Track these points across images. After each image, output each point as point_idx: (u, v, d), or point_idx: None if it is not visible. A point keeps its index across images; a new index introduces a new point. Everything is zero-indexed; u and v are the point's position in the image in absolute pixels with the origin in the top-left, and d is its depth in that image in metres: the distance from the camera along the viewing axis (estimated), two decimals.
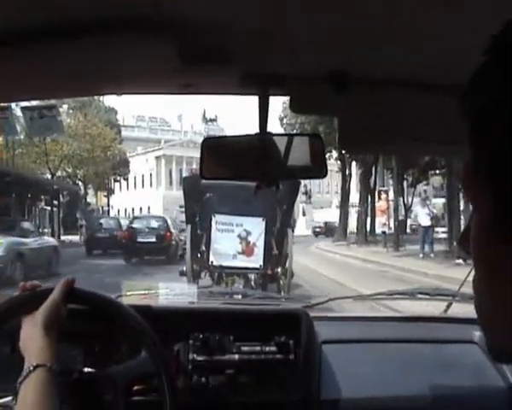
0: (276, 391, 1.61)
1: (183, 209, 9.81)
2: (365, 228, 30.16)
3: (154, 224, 20.05)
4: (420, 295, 2.11)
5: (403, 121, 1.31)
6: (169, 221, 20.50)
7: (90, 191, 46.57)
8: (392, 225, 25.35)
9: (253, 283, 8.85)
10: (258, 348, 1.63)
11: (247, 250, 8.91)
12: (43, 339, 1.22)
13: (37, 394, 1.14)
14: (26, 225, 16.24)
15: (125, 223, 24.11)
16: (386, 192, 27.13)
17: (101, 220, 26.38)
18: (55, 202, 30.54)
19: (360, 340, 1.80)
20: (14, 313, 1.32)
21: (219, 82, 1.29)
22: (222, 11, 0.94)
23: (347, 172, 35.11)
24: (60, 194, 30.98)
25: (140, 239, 18.76)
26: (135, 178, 66.96)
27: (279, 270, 8.96)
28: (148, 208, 59.39)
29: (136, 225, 20.29)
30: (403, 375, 1.68)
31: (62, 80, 1.23)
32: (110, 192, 47.86)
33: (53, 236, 27.61)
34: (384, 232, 25.12)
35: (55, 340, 1.24)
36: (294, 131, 18.00)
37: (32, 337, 1.23)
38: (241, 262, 8.88)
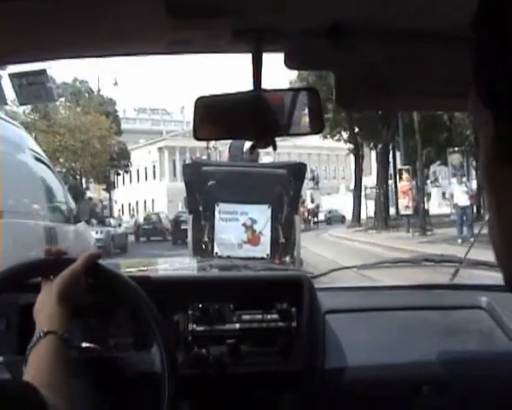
0: (278, 360, 1.59)
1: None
2: (384, 212, 28.40)
3: None
4: (425, 263, 2.09)
5: (402, 75, 1.29)
6: None
7: (93, 186, 46.32)
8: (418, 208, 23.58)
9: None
10: (259, 317, 1.61)
11: (253, 239, 8.39)
12: (56, 306, 1.22)
13: (46, 360, 1.15)
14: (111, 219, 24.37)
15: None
16: (408, 171, 24.63)
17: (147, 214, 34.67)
18: None
19: (365, 309, 1.79)
20: (34, 274, 1.36)
21: (210, 39, 1.26)
22: None
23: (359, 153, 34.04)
24: None
25: (183, 227, 22.87)
26: (138, 171, 67.07)
27: (287, 259, 8.38)
28: (153, 201, 59.55)
29: (181, 217, 26.86)
30: (409, 342, 1.67)
31: (45, 42, 1.21)
32: (111, 186, 47.56)
33: None
34: (407, 215, 23.92)
35: (68, 309, 1.24)
36: None
37: (45, 304, 1.24)
38: (247, 252, 8.25)
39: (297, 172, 8.15)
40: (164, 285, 1.65)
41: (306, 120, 1.27)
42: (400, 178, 24.77)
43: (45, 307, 1.23)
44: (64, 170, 39.37)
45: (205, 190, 8.33)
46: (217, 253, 8.37)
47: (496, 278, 1.96)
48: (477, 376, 1.62)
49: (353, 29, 1.18)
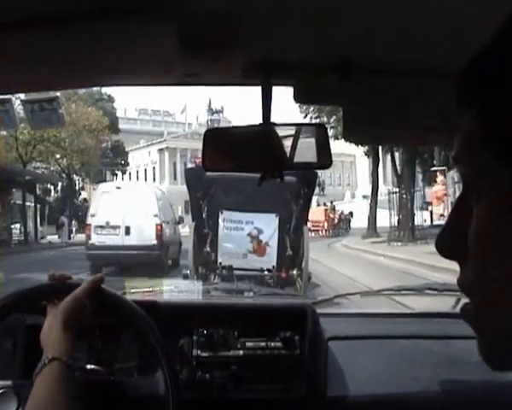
0: (281, 387, 1.64)
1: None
2: (411, 221, 24.68)
3: None
4: (428, 291, 2.14)
5: (409, 111, 1.33)
6: None
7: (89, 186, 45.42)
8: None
9: (267, 285, 8.27)
10: (263, 344, 1.66)
11: (259, 250, 8.49)
12: (61, 333, 1.26)
13: (49, 387, 1.19)
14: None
15: None
16: (444, 173, 21.68)
17: None
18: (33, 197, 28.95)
19: (367, 336, 1.83)
20: (38, 298, 1.40)
21: (221, 72, 1.31)
22: None
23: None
24: (35, 186, 29.07)
25: None
26: (137, 172, 66.93)
27: (294, 272, 8.50)
28: None
29: None
30: (411, 371, 1.71)
31: (60, 71, 1.25)
32: None
33: (25, 235, 26.77)
34: (441, 226, 22.05)
35: (73, 335, 1.28)
36: None
37: (51, 330, 1.28)
38: (253, 262, 8.44)
39: (307, 179, 8.07)
40: (170, 310, 1.69)
41: (314, 154, 1.32)
42: (434, 181, 22.37)
43: (51, 333, 1.27)
44: (51, 167, 38.12)
45: (208, 196, 8.32)
46: (220, 262, 8.40)
47: None
48: (478, 407, 1.65)
49: (361, 65, 1.22)
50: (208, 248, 8.49)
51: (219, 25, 1.06)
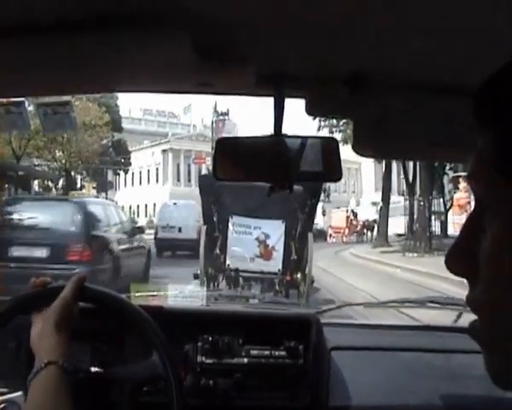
0: (284, 396, 1.66)
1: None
2: (429, 230, 23.48)
3: None
4: (430, 304, 2.16)
5: (420, 125, 1.34)
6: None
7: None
8: None
9: (273, 288, 8.72)
10: (267, 352, 1.68)
11: (266, 254, 8.88)
12: (54, 337, 1.26)
13: (47, 391, 1.20)
14: None
15: None
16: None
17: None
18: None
19: (369, 348, 1.85)
20: (24, 309, 1.38)
21: (235, 82, 1.32)
22: (239, 9, 0.97)
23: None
24: (30, 182, 27.23)
25: None
26: (140, 173, 66.99)
27: (298, 275, 8.91)
28: (154, 205, 59.52)
29: None
30: (412, 384, 1.73)
31: (74, 77, 1.27)
32: (107, 185, 46.26)
33: None
34: None
35: (66, 338, 1.29)
36: None
37: (42, 335, 1.28)
38: (259, 266, 8.83)
39: (313, 190, 8.60)
40: (175, 316, 1.72)
41: (324, 167, 1.34)
42: (456, 187, 20.77)
43: (44, 338, 1.27)
44: (51, 164, 36.86)
45: (219, 202, 8.83)
46: (228, 265, 8.83)
47: None
48: None
49: (372, 79, 1.24)
50: (218, 251, 8.90)
51: (233, 35, 1.08)
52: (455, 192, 21.06)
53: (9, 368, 1.58)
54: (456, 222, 20.34)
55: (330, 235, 37.89)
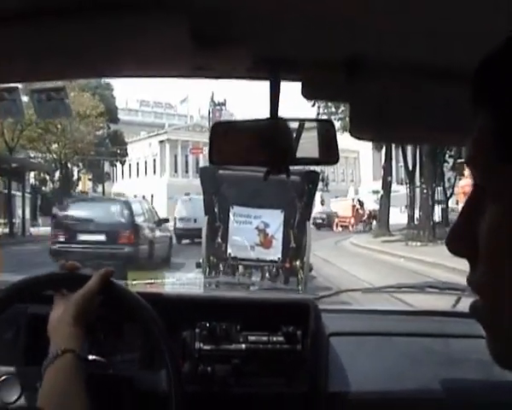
0: (282, 382, 1.66)
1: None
2: (432, 218, 23.19)
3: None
4: (429, 289, 2.17)
5: (418, 109, 1.34)
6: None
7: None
8: None
9: (273, 275, 9.11)
10: (265, 338, 1.69)
11: (266, 242, 9.17)
12: (72, 325, 1.28)
13: (63, 379, 1.21)
14: None
15: None
16: None
17: None
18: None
19: (368, 333, 1.86)
20: (47, 287, 1.42)
21: (231, 65, 1.32)
22: None
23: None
24: (24, 175, 27.36)
25: None
26: (137, 164, 66.92)
27: (297, 263, 9.19)
28: (152, 197, 59.60)
29: None
30: (411, 369, 1.74)
31: (68, 61, 1.26)
32: (104, 177, 45.71)
33: (11, 228, 24.97)
34: None
35: (83, 328, 1.30)
36: None
37: (61, 322, 1.29)
38: (260, 254, 9.13)
39: (310, 179, 8.90)
40: (173, 303, 1.72)
41: (321, 150, 1.34)
42: (462, 174, 19.94)
43: (61, 325, 1.28)
44: (47, 156, 36.40)
45: (220, 192, 9.10)
46: (230, 253, 9.14)
47: None
48: (477, 406, 1.68)
49: (370, 62, 1.23)
50: (219, 240, 9.20)
51: (230, 19, 1.08)
52: (459, 179, 20.46)
53: (7, 356, 1.58)
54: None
55: (337, 224, 37.94)
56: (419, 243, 21.10)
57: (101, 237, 13.44)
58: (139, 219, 14.62)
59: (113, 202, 15.77)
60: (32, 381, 1.41)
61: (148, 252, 14.17)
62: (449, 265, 12.15)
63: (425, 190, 23.21)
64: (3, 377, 1.49)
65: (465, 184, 18.35)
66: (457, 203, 24.39)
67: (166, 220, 18.28)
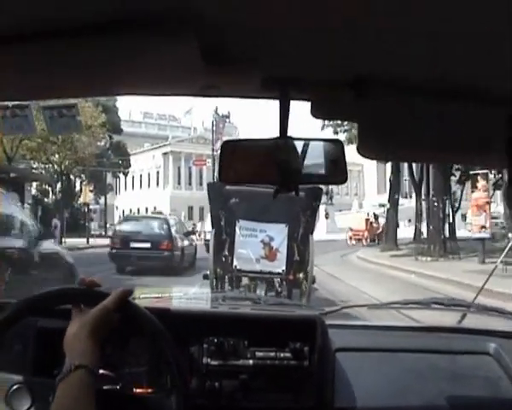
0: (289, 398, 1.68)
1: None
2: (443, 232, 22.26)
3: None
4: (434, 305, 2.18)
5: (426, 129, 1.35)
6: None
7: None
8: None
9: (277, 287, 9.43)
10: (272, 354, 1.70)
11: (270, 255, 9.42)
12: (87, 341, 1.29)
13: (75, 394, 1.22)
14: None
15: None
16: (486, 177, 17.76)
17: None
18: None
19: (374, 349, 1.87)
20: (65, 301, 1.42)
21: (240, 84, 1.34)
22: (244, 12, 0.98)
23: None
24: (23, 185, 25.85)
25: None
26: (141, 176, 67.02)
27: (301, 275, 9.45)
28: (155, 209, 59.55)
29: None
30: (417, 385, 1.75)
31: (78, 79, 1.28)
32: (107, 189, 45.51)
33: None
34: (482, 239, 17.77)
35: (99, 345, 1.31)
36: None
37: (77, 337, 1.30)
38: (264, 267, 9.38)
39: (314, 195, 9.18)
40: (181, 318, 1.74)
41: (329, 169, 1.36)
42: (475, 186, 18.57)
43: (77, 340, 1.29)
44: (42, 165, 35.81)
45: (227, 207, 9.39)
46: (236, 266, 9.38)
47: (504, 324, 2.05)
48: None
49: (378, 81, 1.25)
50: (226, 253, 9.52)
51: (239, 38, 1.09)
52: (472, 191, 19.21)
53: (15, 370, 1.60)
54: (474, 224, 18.21)
55: (350, 238, 37.96)
56: (429, 258, 20.45)
57: (147, 245, 17.94)
58: (174, 231, 18.78)
59: (156, 219, 20.71)
60: (42, 392, 1.43)
61: (180, 257, 18.36)
62: (462, 281, 11.85)
63: (435, 203, 22.30)
64: (15, 387, 1.51)
65: (478, 196, 17.83)
66: (465, 219, 23.85)
67: (193, 232, 22.41)
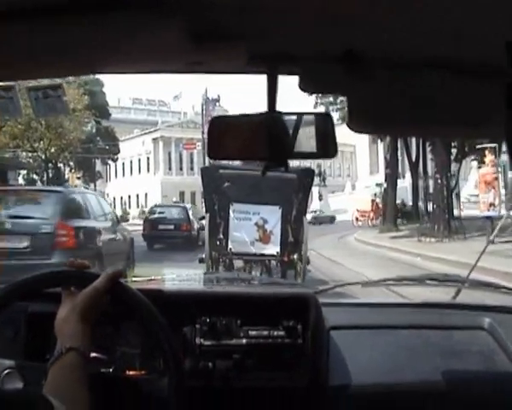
0: (283, 376, 1.69)
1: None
2: (448, 210, 21.08)
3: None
4: (429, 281, 2.20)
5: (414, 102, 1.35)
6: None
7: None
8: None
9: (272, 269, 9.75)
10: (265, 333, 1.71)
11: (265, 238, 9.68)
12: (78, 323, 1.29)
13: (67, 376, 1.22)
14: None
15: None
16: (495, 151, 16.37)
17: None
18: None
19: (368, 326, 1.88)
20: (55, 283, 1.42)
21: (228, 60, 1.33)
22: None
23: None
24: (6, 173, 26.43)
25: None
26: (131, 162, 66.84)
27: (295, 256, 9.70)
28: (146, 196, 59.49)
29: None
30: (412, 361, 1.76)
31: (65, 58, 1.27)
32: (96, 176, 44.87)
33: None
34: (489, 218, 16.23)
35: (90, 327, 1.31)
36: None
37: (67, 320, 1.30)
38: (259, 249, 9.63)
39: (306, 176, 9.46)
40: (174, 299, 1.74)
41: (319, 143, 1.36)
42: (482, 161, 17.90)
43: (68, 323, 1.29)
44: (26, 153, 34.91)
45: (220, 190, 9.56)
46: (231, 249, 9.60)
47: (498, 299, 2.06)
48: (478, 397, 1.71)
49: (367, 55, 1.25)
50: (221, 236, 9.75)
51: (226, 14, 1.08)
52: (479, 167, 18.63)
53: (7, 355, 1.60)
54: (483, 201, 17.00)
55: (357, 218, 38.52)
56: (433, 239, 19.50)
57: (171, 226, 22.75)
58: (191, 216, 23.41)
59: (179, 206, 27.14)
60: (34, 376, 1.43)
61: (196, 236, 21.90)
62: (470, 262, 10.06)
63: (439, 181, 21.31)
64: (6, 371, 1.51)
65: (486, 172, 16.90)
66: (458, 198, 23.11)
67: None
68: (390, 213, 27.82)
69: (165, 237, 22.44)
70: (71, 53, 1.23)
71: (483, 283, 2.14)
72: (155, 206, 30.33)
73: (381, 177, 38.83)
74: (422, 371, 1.73)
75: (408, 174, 33.59)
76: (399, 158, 29.67)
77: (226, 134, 1.37)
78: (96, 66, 1.45)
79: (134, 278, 2.04)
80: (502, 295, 2.08)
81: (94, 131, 40.96)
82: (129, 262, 12.82)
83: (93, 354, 1.53)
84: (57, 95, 2.81)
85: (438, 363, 1.75)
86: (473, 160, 28.50)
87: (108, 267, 1.43)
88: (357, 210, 39.58)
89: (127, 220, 21.39)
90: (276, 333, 1.71)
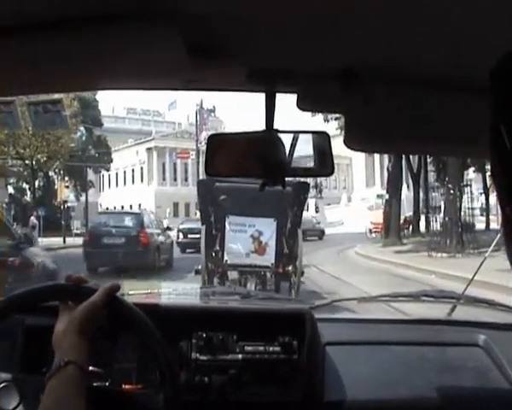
0: (279, 391, 1.70)
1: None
2: (460, 224, 19.91)
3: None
4: (424, 298, 2.22)
5: (411, 120, 1.37)
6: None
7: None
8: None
9: (267, 280, 9.93)
10: (261, 348, 1.73)
11: (260, 249, 9.85)
12: (76, 337, 1.30)
13: (65, 390, 1.23)
14: None
15: None
16: None
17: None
18: None
19: (364, 342, 1.90)
20: (52, 297, 1.43)
21: (225, 78, 1.35)
22: (229, 3, 0.99)
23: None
24: None
25: None
26: (124, 172, 66.64)
27: (290, 268, 9.91)
28: (139, 206, 59.22)
29: None
30: (407, 378, 1.78)
31: (64, 74, 1.28)
32: (87, 185, 44.16)
33: None
34: None
35: (87, 341, 1.32)
36: None
37: (66, 333, 1.31)
38: (254, 260, 9.80)
39: (301, 190, 9.63)
40: (170, 313, 1.76)
41: (316, 161, 1.39)
42: None
43: (65, 337, 1.30)
44: (12, 161, 34.16)
45: (217, 203, 9.74)
46: (226, 260, 9.78)
47: (493, 316, 2.08)
48: None
49: (365, 74, 1.26)
50: (217, 248, 9.97)
51: (224, 31, 1.10)
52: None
53: (3, 368, 1.61)
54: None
55: (370, 230, 38.76)
56: (445, 254, 18.49)
57: (121, 241, 18.66)
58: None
59: (129, 214, 22.83)
60: (31, 390, 1.44)
61: (154, 253, 20.05)
62: (500, 283, 9.57)
63: (451, 192, 20.20)
64: (2, 385, 1.52)
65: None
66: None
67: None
68: (394, 226, 26.80)
69: (112, 255, 16.48)
70: (69, 69, 1.24)
71: (478, 299, 2.16)
72: (99, 213, 27.18)
73: (377, 189, 38.77)
74: (417, 387, 1.75)
75: (404, 186, 33.22)
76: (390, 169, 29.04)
77: (224, 151, 1.39)
78: (95, 82, 1.47)
79: (131, 292, 2.06)
80: (497, 312, 2.10)
81: (84, 139, 40.65)
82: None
83: (90, 368, 1.55)
84: (57, 109, 2.85)
85: (433, 379, 1.76)
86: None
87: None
88: (371, 222, 39.67)
89: None
90: (271, 349, 1.73)
